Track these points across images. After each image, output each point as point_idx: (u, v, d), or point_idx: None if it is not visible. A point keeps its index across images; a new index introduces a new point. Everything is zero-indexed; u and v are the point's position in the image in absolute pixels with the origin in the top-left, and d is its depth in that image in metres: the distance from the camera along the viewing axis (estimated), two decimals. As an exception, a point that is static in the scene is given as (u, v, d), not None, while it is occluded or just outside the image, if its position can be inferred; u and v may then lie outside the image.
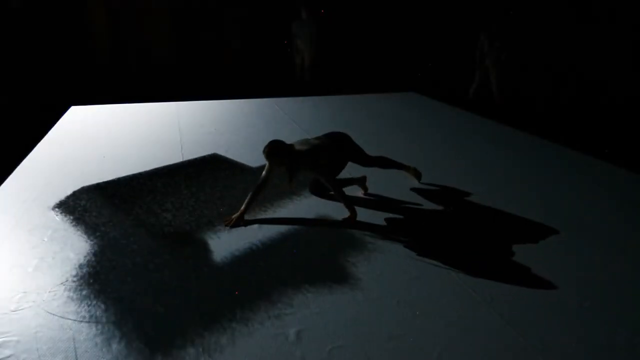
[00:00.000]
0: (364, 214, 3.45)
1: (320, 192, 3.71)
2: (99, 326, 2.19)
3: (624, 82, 7.68)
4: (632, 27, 7.45)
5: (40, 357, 2.00)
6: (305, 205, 3.59)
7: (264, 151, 3.20)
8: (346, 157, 3.61)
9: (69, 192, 3.75)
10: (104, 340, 2.11)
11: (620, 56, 7.77)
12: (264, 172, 3.34)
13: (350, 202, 3.36)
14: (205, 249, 2.93)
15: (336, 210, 3.49)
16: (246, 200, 3.32)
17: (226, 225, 3.25)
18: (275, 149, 3.18)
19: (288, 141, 3.33)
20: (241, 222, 3.27)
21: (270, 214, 3.43)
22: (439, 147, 5.17)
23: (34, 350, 2.03)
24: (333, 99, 7.73)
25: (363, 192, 3.81)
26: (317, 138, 3.51)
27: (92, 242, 2.96)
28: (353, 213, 3.32)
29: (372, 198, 3.76)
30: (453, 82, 8.98)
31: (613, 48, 7.80)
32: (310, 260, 2.83)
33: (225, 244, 3.00)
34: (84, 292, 2.45)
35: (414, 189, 3.92)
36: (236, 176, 4.18)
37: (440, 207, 3.65)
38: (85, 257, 2.79)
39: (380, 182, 3.95)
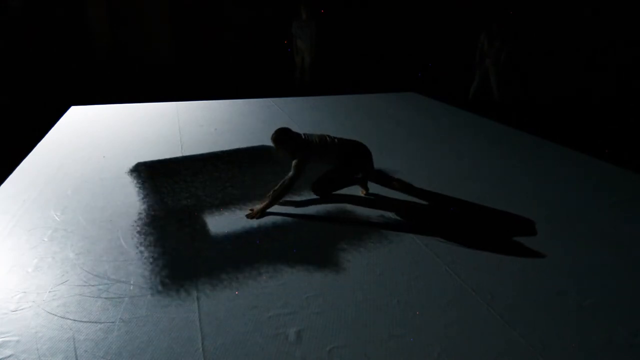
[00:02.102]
0: (364, 214, 3.46)
1: (322, 192, 3.71)
2: (99, 326, 2.19)
3: (624, 81, 7.68)
4: (632, 25, 7.45)
5: (40, 357, 2.00)
6: (306, 205, 3.58)
7: (271, 137, 3.47)
8: (355, 170, 3.68)
9: (69, 192, 3.75)
10: (104, 340, 2.11)
11: (620, 55, 7.77)
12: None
13: (269, 206, 3.37)
14: (204, 249, 2.93)
15: (336, 211, 3.50)
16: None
17: (253, 214, 3.35)
18: (279, 136, 3.44)
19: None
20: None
21: (269, 213, 3.43)
22: (439, 147, 5.17)
23: (34, 350, 2.03)
24: (333, 99, 7.72)
25: (364, 192, 3.81)
26: (340, 142, 3.59)
27: (92, 242, 2.96)
28: (258, 213, 3.33)
29: (371, 198, 3.76)
30: (453, 82, 8.98)
31: (613, 47, 7.79)
32: (310, 260, 2.83)
33: (225, 244, 3.00)
34: (84, 292, 2.45)
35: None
36: (236, 176, 4.18)
37: (440, 207, 3.65)
38: (85, 257, 2.79)
39: (380, 182, 3.95)
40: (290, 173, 3.39)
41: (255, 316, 2.29)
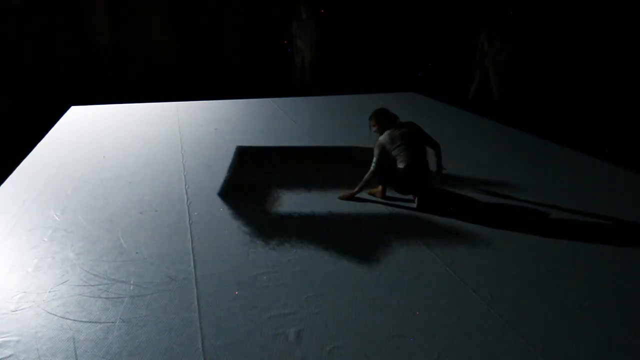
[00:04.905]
0: (364, 214, 3.46)
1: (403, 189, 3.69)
2: (99, 326, 2.19)
3: (623, 81, 7.68)
4: (632, 26, 7.45)
5: (40, 357, 2.00)
6: (306, 205, 3.58)
7: (371, 114, 3.80)
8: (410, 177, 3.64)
9: (69, 192, 3.75)
10: (104, 340, 2.11)
11: (620, 55, 7.77)
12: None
13: (359, 191, 3.66)
14: (204, 249, 2.93)
15: (337, 211, 3.50)
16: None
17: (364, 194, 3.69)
18: (377, 114, 3.79)
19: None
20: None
21: (269, 213, 3.43)
22: (439, 147, 5.16)
23: (34, 350, 2.03)
24: (333, 99, 7.72)
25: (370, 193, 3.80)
26: (420, 147, 3.71)
27: (92, 242, 2.96)
28: (351, 196, 3.65)
29: (371, 198, 3.76)
30: (453, 82, 8.97)
31: (613, 47, 7.80)
32: (310, 260, 2.83)
33: (224, 244, 3.00)
34: (84, 292, 2.45)
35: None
36: (236, 177, 4.18)
37: (439, 207, 3.64)
38: (85, 257, 2.79)
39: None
40: (374, 159, 3.58)
41: (255, 316, 2.29)
